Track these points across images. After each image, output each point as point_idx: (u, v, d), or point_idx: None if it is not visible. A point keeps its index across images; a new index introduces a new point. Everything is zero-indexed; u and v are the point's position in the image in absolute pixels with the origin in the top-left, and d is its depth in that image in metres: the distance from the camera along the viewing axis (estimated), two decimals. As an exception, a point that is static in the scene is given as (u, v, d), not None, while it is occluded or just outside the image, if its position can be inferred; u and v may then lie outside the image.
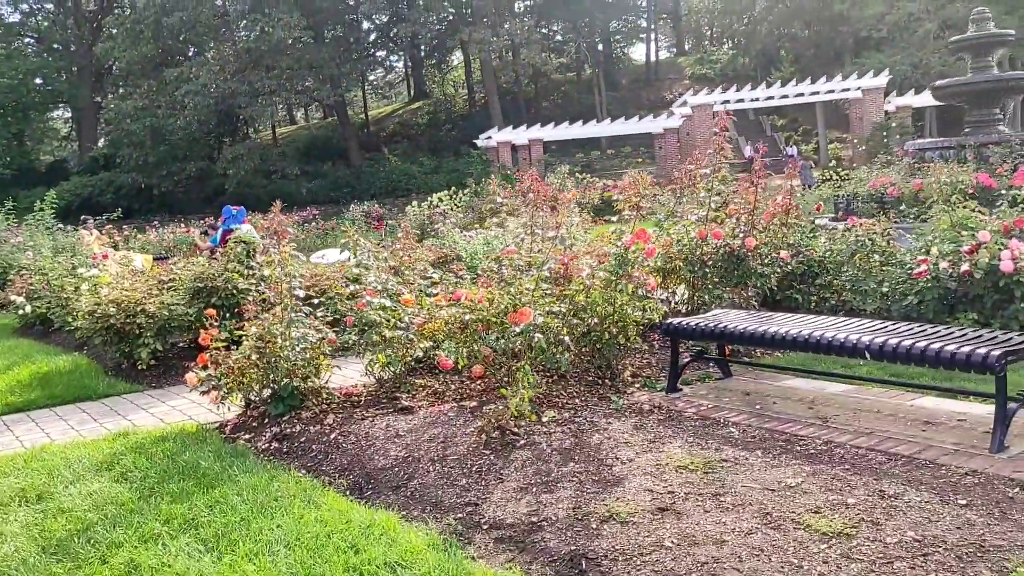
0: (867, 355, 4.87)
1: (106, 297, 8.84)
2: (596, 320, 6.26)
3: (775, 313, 6.09)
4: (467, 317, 5.78)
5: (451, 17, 56.48)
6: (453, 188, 38.18)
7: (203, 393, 6.33)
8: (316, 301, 6.46)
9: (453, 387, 6.43)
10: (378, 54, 61.40)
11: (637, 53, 74.49)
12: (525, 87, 60.91)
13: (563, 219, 6.50)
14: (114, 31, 51.03)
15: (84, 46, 56.30)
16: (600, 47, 61.40)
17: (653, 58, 69.35)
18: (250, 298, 8.99)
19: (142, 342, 8.58)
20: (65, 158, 61.42)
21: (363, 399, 6.27)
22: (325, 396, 6.21)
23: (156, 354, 8.77)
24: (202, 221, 25.93)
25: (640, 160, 53.71)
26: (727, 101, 40.24)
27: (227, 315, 8.71)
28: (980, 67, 13.85)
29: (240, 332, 6.33)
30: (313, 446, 5.60)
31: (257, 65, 47.59)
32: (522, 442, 5.12)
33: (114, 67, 54.23)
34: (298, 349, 5.98)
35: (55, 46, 58.89)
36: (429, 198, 39.14)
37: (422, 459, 5.05)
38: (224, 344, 6.46)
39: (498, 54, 55.59)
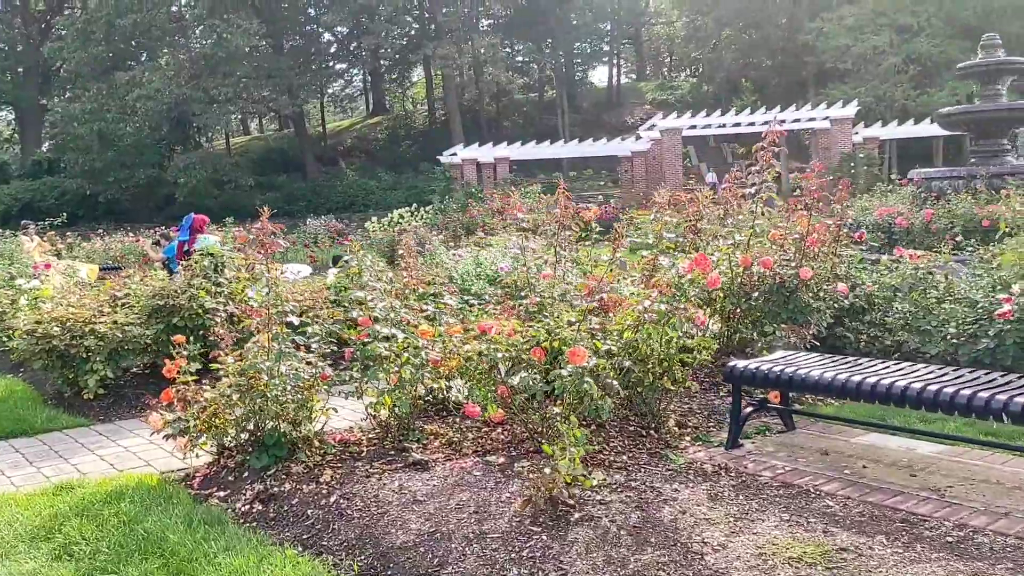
0: (1004, 418, 3.98)
1: (48, 314, 7.65)
2: (638, 360, 5.30)
3: (860, 358, 5.19)
4: (500, 355, 4.76)
5: (413, 32, 55.62)
6: (415, 205, 37.23)
7: (167, 437, 5.23)
8: (308, 330, 5.39)
9: (471, 436, 5.40)
10: (338, 66, 60.14)
11: (598, 77, 74.32)
12: (487, 106, 60.10)
13: (619, 240, 5.53)
14: (63, 32, 49.09)
15: (31, 46, 54.08)
16: (563, 70, 60.93)
17: (615, 82, 69.19)
18: (217, 319, 7.92)
19: (90, 368, 7.39)
20: (6, 161, 58.83)
21: (365, 449, 5.20)
22: (318, 445, 5.14)
23: (106, 382, 7.59)
24: (152, 231, 24.46)
25: (602, 183, 53.32)
26: (694, 126, 39.89)
27: (191, 338, 7.59)
28: (989, 95, 13.31)
29: (216, 364, 5.24)
30: (308, 511, 4.52)
31: (213, 72, 46.05)
32: (577, 515, 4.12)
33: (62, 69, 52.13)
34: (289, 387, 4.91)
35: (0, 45, 56.52)
36: (389, 214, 38.11)
37: (454, 536, 4.01)
38: (194, 377, 5.37)
39: (462, 71, 54.76)
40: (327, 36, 56.27)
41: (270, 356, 5.00)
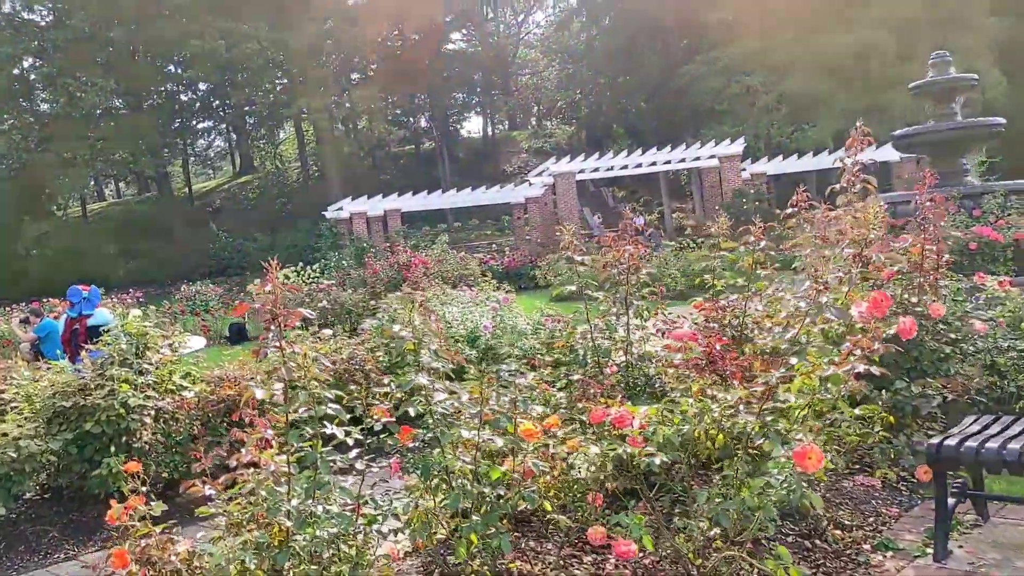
0: None
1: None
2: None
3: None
4: (658, 461, 3.19)
5: (281, 86, 53.36)
6: (300, 263, 34.97)
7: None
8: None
9: (577, 573, 3.77)
10: (203, 125, 57.12)
11: (472, 127, 74.06)
12: (363, 159, 58.35)
13: (821, 273, 4.00)
14: None
15: None
16: (439, 121, 59.97)
17: (489, 132, 68.95)
18: (146, 419, 6.02)
19: (-29, 504, 5.32)
20: None
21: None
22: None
23: (-7, 520, 5.52)
24: (10, 308, 21.36)
25: (488, 232, 52.33)
26: (583, 170, 39.41)
27: (111, 446, 5.67)
28: (943, 115, 12.76)
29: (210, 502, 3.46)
30: None
31: (65, 134, 42.55)
32: None
33: None
34: (333, 531, 3.18)
35: None
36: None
37: None
38: (162, 526, 3.56)
39: (333, 124, 52.89)
40: (190, 93, 53.31)
41: (293, 488, 3.24)
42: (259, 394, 3.23)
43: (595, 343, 4.73)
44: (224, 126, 60.11)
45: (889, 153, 38.86)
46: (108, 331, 6.70)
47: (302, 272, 35.81)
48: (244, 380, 6.34)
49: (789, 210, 5.73)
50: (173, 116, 51.31)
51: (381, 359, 7.38)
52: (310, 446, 3.24)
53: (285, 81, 53.86)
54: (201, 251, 47.92)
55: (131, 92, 46.62)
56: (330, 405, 3.21)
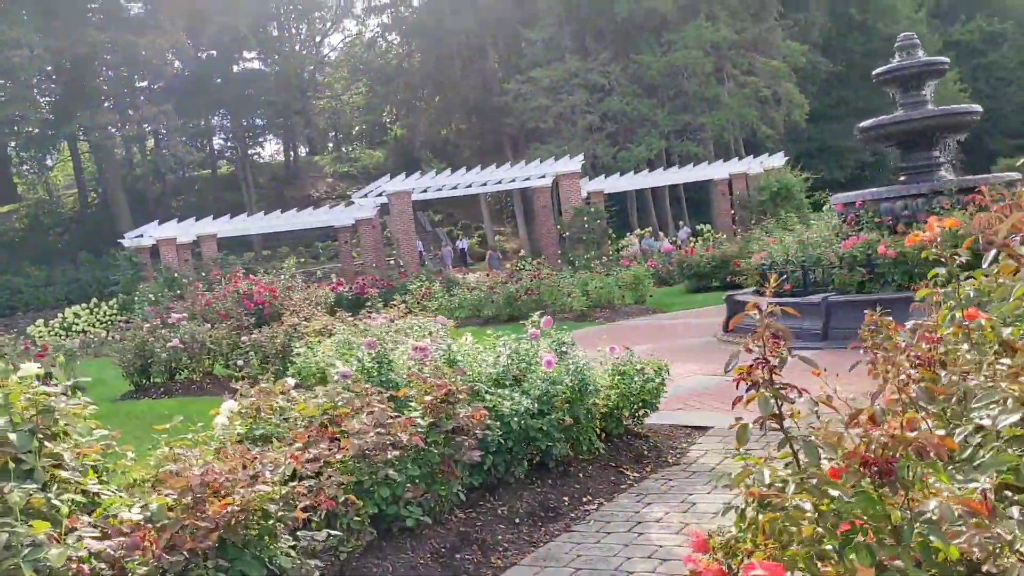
0: None
1: None
2: None
3: None
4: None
5: (52, 103, 46.81)
6: (93, 300, 30.03)
7: None
8: None
9: None
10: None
11: (272, 151, 69.43)
12: (152, 183, 52.51)
13: None
14: None
15: None
16: (239, 142, 55.24)
17: (291, 157, 64.84)
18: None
19: None
20: None
21: None
22: None
23: None
24: None
25: (303, 260, 48.42)
26: (414, 189, 36.84)
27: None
28: (913, 102, 11.49)
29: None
30: None
31: None
32: None
33: None
34: None
35: None
36: (60, 314, 30.55)
37: None
38: None
39: (122, 143, 47.14)
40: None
41: None
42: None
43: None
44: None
45: (714, 171, 39.20)
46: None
47: (95, 310, 30.64)
48: (246, 488, 3.43)
49: None
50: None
51: (420, 424, 4.65)
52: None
53: (57, 97, 47.47)
54: (-42, 290, 40.99)
55: None
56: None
